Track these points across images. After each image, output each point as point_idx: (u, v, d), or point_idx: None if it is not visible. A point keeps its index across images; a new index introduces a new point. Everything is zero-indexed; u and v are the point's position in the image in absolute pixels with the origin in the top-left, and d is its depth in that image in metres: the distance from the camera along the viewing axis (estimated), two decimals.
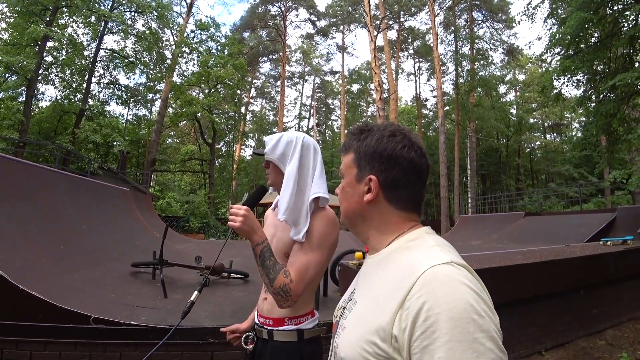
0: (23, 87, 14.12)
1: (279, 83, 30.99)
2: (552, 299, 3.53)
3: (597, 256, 4.08)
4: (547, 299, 3.48)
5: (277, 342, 1.18)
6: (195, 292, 1.15)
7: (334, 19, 30.66)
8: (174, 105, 21.93)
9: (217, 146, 24.56)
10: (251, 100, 33.31)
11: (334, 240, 1.20)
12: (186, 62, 21.04)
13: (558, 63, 9.92)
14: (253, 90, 33.21)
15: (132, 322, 2.59)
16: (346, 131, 31.13)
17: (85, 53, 16.55)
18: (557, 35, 9.25)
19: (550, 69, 10.76)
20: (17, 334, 2.52)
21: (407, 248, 0.66)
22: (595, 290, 3.88)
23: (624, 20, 8.55)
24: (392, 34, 28.24)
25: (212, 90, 21.20)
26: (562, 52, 9.90)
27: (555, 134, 33.12)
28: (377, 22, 19.39)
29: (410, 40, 30.23)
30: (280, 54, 28.98)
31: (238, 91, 23.57)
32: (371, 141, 0.72)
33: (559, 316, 3.56)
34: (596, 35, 9.50)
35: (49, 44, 14.88)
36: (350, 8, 27.89)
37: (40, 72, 14.63)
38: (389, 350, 0.56)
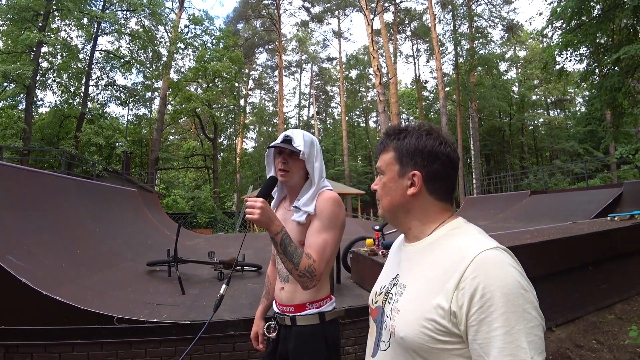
0: (22, 95, 14.18)
1: (276, 73, 30.64)
2: (561, 276, 3.57)
3: (605, 232, 4.12)
4: (556, 276, 3.52)
5: (301, 327, 1.25)
6: (224, 286, 1.21)
7: (328, 5, 30.07)
8: (173, 103, 21.88)
9: (219, 140, 24.55)
10: (250, 92, 33.08)
11: (343, 219, 1.29)
12: (182, 58, 21.01)
13: (560, 38, 9.74)
14: (251, 82, 32.93)
15: (155, 320, 2.67)
16: (346, 117, 31.02)
17: (81, 56, 16.49)
18: (558, 9, 9.05)
19: (552, 45, 10.56)
20: (45, 337, 2.61)
21: (451, 235, 0.74)
22: (604, 265, 3.92)
23: None
24: (389, 16, 27.66)
25: (210, 84, 21.09)
26: (564, 26, 9.69)
27: (558, 110, 32.67)
28: (373, 4, 18.99)
29: (407, 22, 29.62)
30: (276, 43, 28.56)
31: (236, 84, 23.42)
32: (411, 140, 0.78)
33: (569, 293, 3.62)
34: (598, 7, 9.27)
35: (44, 49, 14.86)
36: None
37: (37, 78, 14.63)
38: (448, 325, 0.65)
